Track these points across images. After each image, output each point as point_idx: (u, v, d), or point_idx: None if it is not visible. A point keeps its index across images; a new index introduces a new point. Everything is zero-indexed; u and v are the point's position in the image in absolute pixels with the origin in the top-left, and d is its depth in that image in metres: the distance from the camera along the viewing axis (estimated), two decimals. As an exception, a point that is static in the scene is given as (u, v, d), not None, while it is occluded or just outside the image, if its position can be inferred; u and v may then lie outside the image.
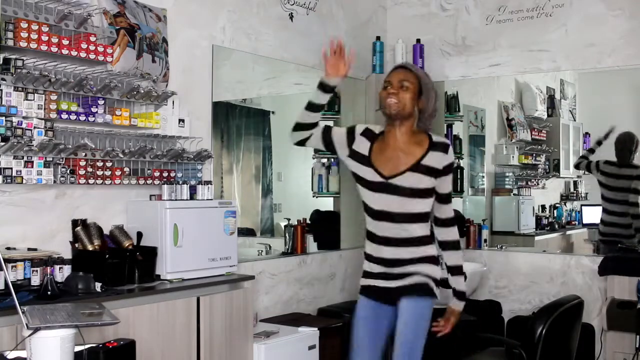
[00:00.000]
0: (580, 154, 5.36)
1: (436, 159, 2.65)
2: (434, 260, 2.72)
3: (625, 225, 4.76)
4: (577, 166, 5.29)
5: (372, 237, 2.72)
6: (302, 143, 2.82)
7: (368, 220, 2.73)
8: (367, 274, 2.77)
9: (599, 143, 5.05)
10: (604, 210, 4.90)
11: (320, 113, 2.77)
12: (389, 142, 2.70)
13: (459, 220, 5.07)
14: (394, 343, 2.69)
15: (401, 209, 2.64)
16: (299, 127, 2.78)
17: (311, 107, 2.74)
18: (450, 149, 2.71)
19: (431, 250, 2.72)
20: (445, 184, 2.70)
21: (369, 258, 2.76)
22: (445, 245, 2.77)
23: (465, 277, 4.21)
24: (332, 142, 2.78)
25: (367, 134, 2.75)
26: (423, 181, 2.63)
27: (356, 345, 2.76)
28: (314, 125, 2.76)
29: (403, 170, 2.63)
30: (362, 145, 2.73)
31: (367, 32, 5.08)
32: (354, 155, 2.74)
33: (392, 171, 2.64)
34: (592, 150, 5.10)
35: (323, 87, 2.71)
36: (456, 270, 2.79)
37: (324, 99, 2.73)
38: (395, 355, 2.67)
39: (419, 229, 2.68)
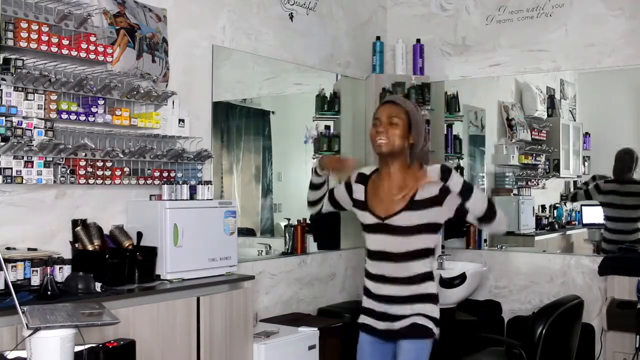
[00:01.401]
0: (572, 190, 5.31)
1: (429, 189, 2.60)
2: (433, 299, 2.69)
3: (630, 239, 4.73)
4: (574, 198, 5.23)
5: (372, 276, 2.71)
6: (319, 214, 3.01)
7: (368, 261, 2.73)
8: (367, 312, 2.75)
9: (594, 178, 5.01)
10: (608, 230, 4.85)
11: (323, 189, 2.91)
12: (383, 182, 2.69)
13: (458, 219, 5.09)
14: None
15: (401, 248, 2.61)
16: (310, 204, 2.98)
17: (313, 186, 2.91)
18: (436, 167, 2.61)
19: (432, 288, 2.69)
20: (455, 190, 2.60)
21: (368, 294, 2.74)
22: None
23: (464, 280, 4.24)
24: (338, 202, 2.89)
25: (360, 179, 2.78)
26: (424, 216, 2.60)
27: None
28: (322, 198, 2.92)
29: (398, 210, 2.61)
30: (358, 192, 2.76)
31: (367, 32, 5.09)
32: (355, 203, 2.78)
33: (386, 212, 2.63)
34: (587, 184, 5.07)
35: (316, 172, 2.88)
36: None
37: (319, 180, 2.89)
38: None
39: (420, 266, 2.65)
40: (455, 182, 2.60)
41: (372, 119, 2.72)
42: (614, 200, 4.84)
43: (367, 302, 2.76)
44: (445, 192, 2.60)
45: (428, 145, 2.75)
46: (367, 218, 2.69)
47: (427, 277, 2.68)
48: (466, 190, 2.60)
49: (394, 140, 2.61)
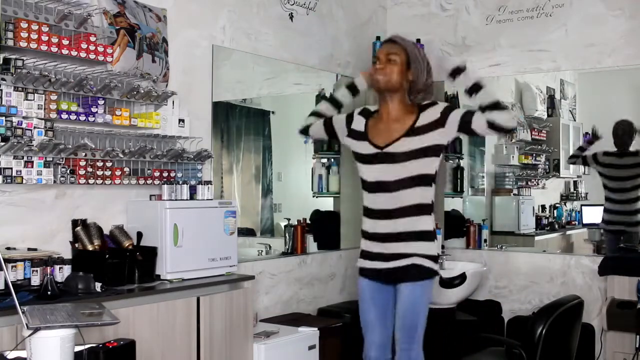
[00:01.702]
0: (572, 152, 5.35)
1: (429, 114, 2.70)
2: (430, 236, 2.72)
3: (630, 212, 4.73)
4: (572, 162, 5.27)
5: (368, 212, 2.77)
6: (306, 130, 3.01)
7: (365, 195, 2.78)
8: (365, 254, 2.82)
9: (590, 142, 5.03)
10: (608, 200, 4.85)
11: (337, 111, 2.95)
12: (382, 116, 2.79)
13: (458, 219, 5.08)
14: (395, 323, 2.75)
15: (399, 175, 2.67)
16: (314, 113, 3.01)
17: (334, 102, 2.96)
18: (440, 102, 2.74)
19: (428, 223, 2.72)
20: (457, 115, 2.68)
21: (365, 235, 2.80)
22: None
23: (464, 280, 4.24)
24: (334, 128, 2.93)
25: (364, 112, 2.88)
26: (423, 140, 2.66)
27: (368, 326, 2.82)
28: (324, 116, 2.94)
29: (397, 138, 2.69)
30: (358, 123, 2.84)
31: (367, 32, 5.08)
32: (352, 133, 2.84)
33: (385, 140, 2.71)
34: (582, 149, 5.09)
35: (352, 88, 2.94)
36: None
37: (348, 99, 2.95)
38: (397, 338, 2.70)
39: (416, 196, 2.67)
40: (457, 112, 2.72)
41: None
42: (612, 173, 4.85)
43: (364, 244, 2.81)
44: (446, 113, 2.70)
45: (430, 80, 2.80)
46: (366, 148, 2.76)
47: (425, 208, 2.70)
48: (467, 111, 2.70)
49: (392, 76, 2.70)
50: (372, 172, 2.72)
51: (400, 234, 2.68)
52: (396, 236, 2.69)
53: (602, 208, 4.95)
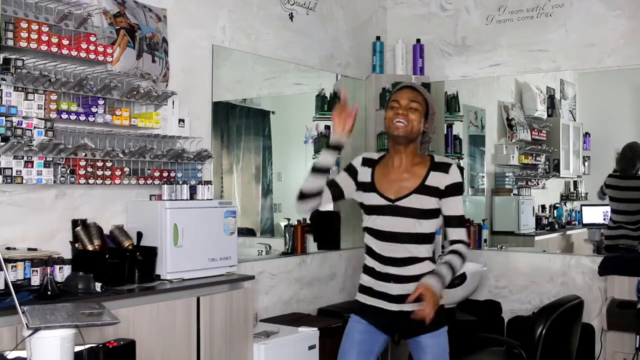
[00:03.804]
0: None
1: (438, 179, 2.60)
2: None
3: (634, 228, 4.76)
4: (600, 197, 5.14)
5: (377, 257, 2.64)
6: (313, 210, 2.72)
7: (372, 242, 2.66)
8: (367, 290, 2.67)
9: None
10: (611, 220, 4.89)
11: (326, 178, 2.61)
12: (393, 165, 2.65)
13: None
14: None
15: (407, 230, 2.59)
16: (305, 196, 2.62)
17: (318, 170, 2.59)
18: (453, 168, 2.63)
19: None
20: (450, 206, 2.62)
21: (371, 272, 2.66)
22: (451, 252, 2.65)
23: (464, 280, 4.23)
24: (341, 188, 2.69)
25: (367, 162, 2.71)
26: (430, 202, 2.60)
27: None
28: (320, 192, 2.62)
29: (408, 193, 2.60)
30: (365, 175, 2.69)
31: (367, 32, 5.09)
32: (360, 185, 2.69)
33: (397, 194, 2.61)
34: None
35: (330, 147, 2.59)
36: (447, 263, 2.62)
37: (331, 159, 2.58)
38: None
39: (423, 250, 2.63)
40: (454, 202, 2.63)
41: (388, 102, 2.66)
42: (615, 195, 4.88)
43: (367, 280, 2.67)
44: (448, 193, 2.61)
45: (432, 137, 2.75)
46: (375, 199, 2.64)
47: (430, 260, 2.65)
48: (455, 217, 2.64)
49: (413, 124, 2.59)
50: (384, 224, 2.61)
51: (411, 276, 2.60)
52: (407, 278, 2.60)
53: (602, 209, 4.96)
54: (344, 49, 4.90)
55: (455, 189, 2.63)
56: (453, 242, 2.67)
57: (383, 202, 2.62)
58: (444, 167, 2.62)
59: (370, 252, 2.68)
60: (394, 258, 2.61)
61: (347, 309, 4.34)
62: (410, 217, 2.59)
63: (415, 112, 2.59)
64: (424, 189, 2.59)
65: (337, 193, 2.69)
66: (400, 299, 2.59)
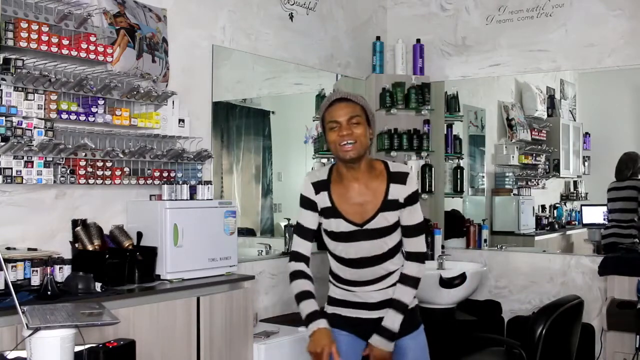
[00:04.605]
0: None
1: (397, 191, 2.50)
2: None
3: (625, 226, 4.78)
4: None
5: (349, 283, 2.58)
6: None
7: (339, 267, 2.57)
8: (341, 303, 2.61)
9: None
10: (608, 220, 4.95)
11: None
12: (351, 186, 2.52)
13: (458, 219, 5.07)
14: None
15: (379, 250, 2.52)
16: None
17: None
18: (410, 178, 2.53)
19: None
20: (410, 216, 2.53)
21: (344, 289, 2.59)
22: (404, 280, 2.54)
23: (464, 280, 4.23)
24: (314, 226, 2.59)
25: (319, 187, 2.56)
26: (393, 216, 2.51)
27: None
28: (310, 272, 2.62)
29: (374, 214, 2.49)
30: (323, 200, 2.55)
31: (367, 32, 5.09)
32: (322, 212, 2.56)
33: (363, 217, 2.49)
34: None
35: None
36: (400, 307, 2.53)
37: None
38: None
39: (396, 261, 2.57)
40: (413, 211, 2.54)
41: (321, 122, 2.51)
42: (612, 195, 4.94)
43: (340, 293, 2.60)
44: (406, 204, 2.52)
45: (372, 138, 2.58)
46: (341, 225, 2.50)
47: (400, 260, 2.59)
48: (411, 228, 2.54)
49: (361, 140, 2.43)
50: (352, 249, 2.51)
51: (382, 302, 2.55)
52: (377, 304, 2.55)
53: (602, 209, 4.97)
54: (344, 49, 4.90)
55: (412, 200, 2.53)
56: (408, 254, 2.58)
57: (351, 227, 2.50)
58: (401, 178, 2.52)
59: (342, 279, 2.60)
60: (370, 280, 2.55)
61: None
62: (378, 238, 2.50)
63: (358, 126, 2.43)
64: (387, 205, 2.49)
65: (316, 232, 2.61)
66: (381, 305, 2.55)
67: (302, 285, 2.58)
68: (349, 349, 2.61)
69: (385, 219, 2.50)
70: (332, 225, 2.54)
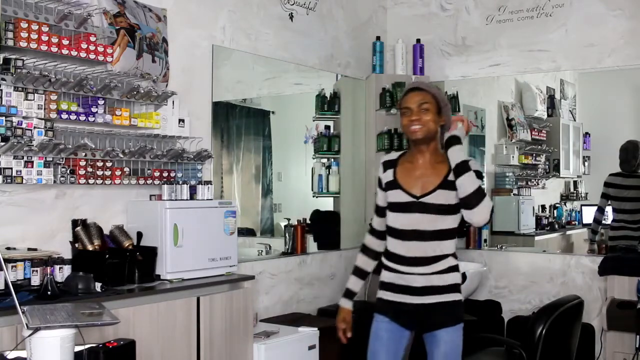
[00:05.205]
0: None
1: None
2: (457, 288, 2.74)
3: (635, 228, 4.76)
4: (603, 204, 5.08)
5: (402, 260, 2.67)
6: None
7: (394, 243, 2.70)
8: (388, 286, 2.71)
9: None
10: (614, 220, 4.89)
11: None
12: (416, 164, 2.71)
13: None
14: None
15: (431, 226, 2.64)
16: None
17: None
18: (471, 163, 2.68)
19: (456, 278, 2.73)
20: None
21: (393, 270, 2.69)
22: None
23: (464, 280, 4.24)
24: (384, 203, 2.78)
25: (387, 165, 2.77)
26: (452, 197, 2.64)
27: None
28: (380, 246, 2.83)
29: (434, 189, 2.65)
30: (387, 176, 2.75)
31: (367, 32, 5.09)
32: (386, 187, 2.74)
33: (423, 190, 2.65)
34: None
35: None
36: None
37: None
38: None
39: (448, 246, 2.68)
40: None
41: (399, 109, 2.73)
42: (617, 193, 4.87)
43: (388, 276, 2.71)
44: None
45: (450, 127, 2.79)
46: (400, 196, 2.68)
47: (453, 265, 2.70)
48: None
49: (429, 125, 2.65)
50: (408, 221, 2.66)
51: (430, 274, 2.65)
52: (426, 276, 2.65)
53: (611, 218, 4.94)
54: (344, 49, 4.90)
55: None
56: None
57: (408, 198, 2.67)
58: None
59: (394, 256, 2.70)
60: (419, 258, 2.64)
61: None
62: (434, 214, 2.64)
63: (427, 113, 2.65)
64: (447, 184, 2.64)
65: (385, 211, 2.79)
66: (424, 291, 2.65)
67: (361, 261, 2.88)
68: (390, 337, 2.72)
69: (444, 196, 2.64)
70: (391, 196, 2.72)
